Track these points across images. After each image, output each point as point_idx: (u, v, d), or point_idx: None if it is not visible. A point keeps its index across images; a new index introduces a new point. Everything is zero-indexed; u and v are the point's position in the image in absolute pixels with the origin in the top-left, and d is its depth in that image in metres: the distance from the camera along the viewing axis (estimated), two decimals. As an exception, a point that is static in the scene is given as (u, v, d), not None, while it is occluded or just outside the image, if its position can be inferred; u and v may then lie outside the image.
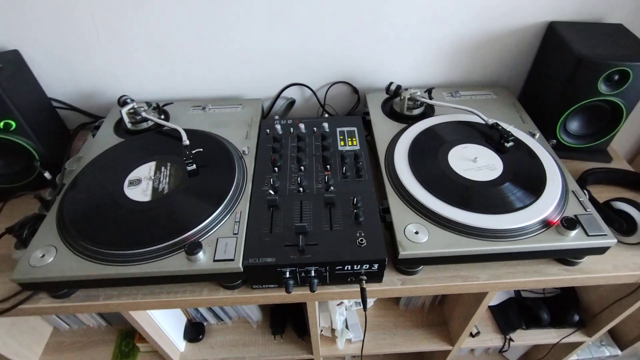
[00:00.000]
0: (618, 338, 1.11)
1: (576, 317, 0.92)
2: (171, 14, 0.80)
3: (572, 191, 0.67)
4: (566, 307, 0.94)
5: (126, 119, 0.80)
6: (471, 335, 0.95)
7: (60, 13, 0.79)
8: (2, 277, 0.65)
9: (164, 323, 0.86)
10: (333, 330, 0.96)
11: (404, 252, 0.58)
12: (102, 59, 0.86)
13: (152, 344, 0.84)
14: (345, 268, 0.59)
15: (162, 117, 0.84)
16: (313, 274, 0.59)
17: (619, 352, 1.11)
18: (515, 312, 0.97)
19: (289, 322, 0.98)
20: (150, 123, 0.82)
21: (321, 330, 0.96)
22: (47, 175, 0.73)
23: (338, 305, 0.95)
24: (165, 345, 0.87)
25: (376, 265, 0.59)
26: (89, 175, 0.72)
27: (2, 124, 0.72)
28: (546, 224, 0.61)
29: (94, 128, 0.85)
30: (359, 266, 0.59)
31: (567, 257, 0.64)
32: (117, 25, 0.81)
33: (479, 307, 0.77)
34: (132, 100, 0.82)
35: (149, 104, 0.84)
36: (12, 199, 0.78)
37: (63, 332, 1.01)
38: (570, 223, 0.60)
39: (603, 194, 0.74)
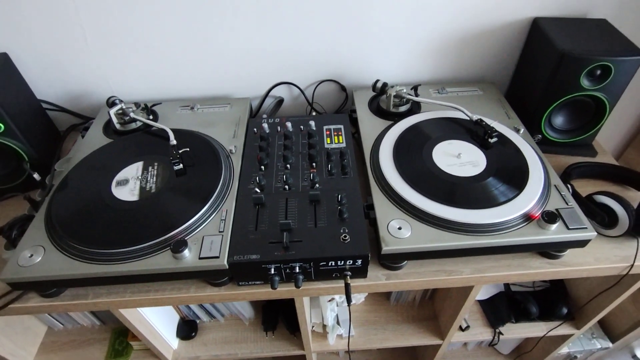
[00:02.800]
0: (609, 330, 1.12)
1: (564, 310, 0.93)
2: (158, 14, 0.81)
3: (555, 185, 0.67)
4: (555, 300, 0.95)
5: (115, 120, 0.81)
6: (461, 329, 0.96)
7: (48, 15, 0.79)
8: (-9, 277, 0.66)
9: (156, 321, 0.87)
10: (324, 326, 0.97)
11: (387, 248, 0.59)
12: (91, 60, 0.87)
13: (144, 342, 0.85)
14: (330, 264, 0.60)
15: (151, 117, 0.85)
16: (298, 270, 0.60)
17: (610, 345, 1.12)
18: (505, 306, 0.98)
19: (280, 319, 0.99)
20: (138, 123, 0.83)
21: (313, 326, 0.97)
22: (36, 176, 0.74)
23: (329, 301, 0.96)
24: (157, 343, 0.88)
25: (360, 261, 0.60)
26: (77, 175, 0.72)
27: (-10, 126, 0.73)
28: (528, 218, 0.62)
29: (83, 129, 0.86)
30: (342, 262, 0.60)
31: (549, 251, 0.65)
32: (104, 27, 0.82)
33: (466, 300, 0.78)
34: (121, 101, 0.83)
35: (137, 104, 0.84)
36: (2, 200, 0.79)
37: (57, 332, 1.02)
38: (550, 217, 0.60)
39: (587, 187, 0.75)
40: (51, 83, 0.90)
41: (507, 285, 1.02)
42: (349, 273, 0.61)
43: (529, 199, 0.64)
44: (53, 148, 0.90)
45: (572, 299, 0.97)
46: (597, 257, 0.66)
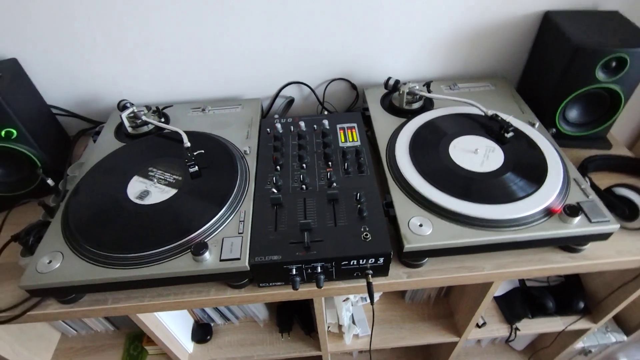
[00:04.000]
0: (623, 324, 1.11)
1: (581, 305, 0.92)
2: (166, 17, 0.80)
3: (574, 179, 0.67)
4: (571, 295, 0.95)
5: (126, 123, 0.80)
6: (477, 326, 0.95)
7: (58, 21, 0.79)
8: (10, 284, 0.66)
9: (172, 325, 0.87)
10: (340, 326, 0.96)
11: (409, 245, 0.59)
12: (101, 65, 0.86)
13: (160, 346, 0.85)
14: (351, 263, 0.59)
15: (162, 120, 0.84)
16: (319, 270, 0.60)
17: (625, 338, 1.12)
18: (521, 302, 0.97)
19: (295, 320, 0.99)
20: (150, 126, 0.82)
21: (328, 327, 0.97)
22: (50, 182, 0.74)
23: (344, 301, 0.95)
24: (173, 347, 0.88)
25: (382, 259, 0.59)
26: (91, 180, 0.72)
27: (3, 132, 0.73)
28: (549, 212, 0.62)
29: (94, 133, 0.85)
30: (364, 261, 0.59)
31: (570, 245, 0.65)
32: (113, 31, 0.81)
33: (485, 297, 0.77)
34: (132, 105, 0.82)
35: (148, 107, 0.84)
36: (16, 206, 0.78)
37: (71, 338, 1.02)
38: (572, 210, 0.60)
39: (604, 180, 0.75)
40: (61, 88, 0.90)
41: (522, 281, 1.02)
42: (371, 272, 0.61)
43: (549, 193, 0.63)
44: (64, 153, 0.90)
45: (587, 293, 0.96)
46: (619, 250, 0.66)
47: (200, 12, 0.80)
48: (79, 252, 0.61)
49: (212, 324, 1.00)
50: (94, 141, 0.83)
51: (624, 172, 0.78)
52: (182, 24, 0.81)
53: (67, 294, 0.62)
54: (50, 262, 0.60)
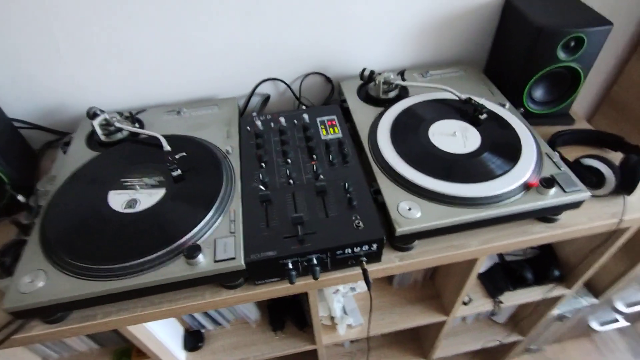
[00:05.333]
0: (593, 287, 1.20)
1: (556, 272, 0.98)
2: (132, 16, 0.77)
3: (546, 153, 0.71)
4: (547, 265, 1.00)
5: (99, 131, 0.77)
6: (464, 303, 0.99)
7: (15, 28, 0.74)
8: (-14, 310, 0.62)
9: (162, 335, 0.84)
10: (332, 318, 0.97)
11: (401, 229, 0.60)
12: (65, 72, 0.82)
13: (153, 358, 0.82)
14: (346, 252, 0.60)
15: (137, 125, 0.81)
16: (315, 262, 0.60)
17: (595, 300, 1.20)
18: (502, 276, 1.02)
19: (287, 317, 0.99)
20: (125, 133, 0.79)
21: (321, 320, 0.97)
22: (20, 198, 0.69)
23: (334, 293, 0.96)
24: (166, 358, 0.85)
25: (375, 245, 0.61)
26: (68, 192, 0.68)
27: (-37, 149, 0.68)
28: (527, 187, 0.65)
29: (63, 144, 0.81)
30: (358, 248, 0.60)
31: (548, 215, 0.68)
32: (77, 35, 0.77)
33: (470, 274, 0.81)
34: (102, 111, 0.79)
35: (120, 113, 0.81)
36: (-16, 227, 0.73)
37: (53, 362, 0.97)
38: (548, 182, 0.64)
39: (572, 153, 0.79)
40: (21, 99, 0.85)
41: (501, 257, 1.07)
42: (365, 259, 0.62)
43: (525, 169, 0.67)
44: (31, 168, 0.85)
45: (561, 261, 1.02)
46: (590, 217, 0.70)
47: (166, 9, 0.78)
48: (63, 268, 0.58)
49: (203, 331, 0.98)
50: (64, 152, 0.79)
51: (587, 144, 0.83)
52: (148, 22, 0.79)
53: (54, 312, 0.59)
54: (32, 281, 0.57)
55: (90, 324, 0.61)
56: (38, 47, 0.78)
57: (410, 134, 0.74)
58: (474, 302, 1.01)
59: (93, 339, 0.96)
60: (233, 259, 0.58)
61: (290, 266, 0.60)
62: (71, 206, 0.66)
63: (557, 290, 1.00)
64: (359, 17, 0.86)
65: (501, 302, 1.00)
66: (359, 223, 0.61)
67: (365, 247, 0.61)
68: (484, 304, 1.00)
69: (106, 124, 0.78)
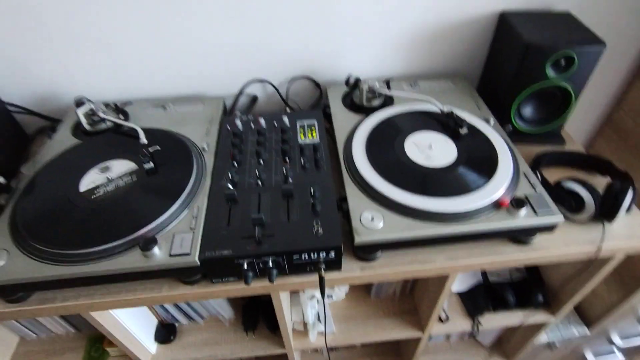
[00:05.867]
0: (585, 317, 1.15)
1: (540, 297, 0.94)
2: (125, 10, 0.79)
3: (524, 173, 0.69)
4: (531, 289, 0.97)
5: (83, 120, 0.79)
6: (440, 320, 0.96)
7: (9, 14, 0.77)
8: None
9: (132, 325, 0.85)
10: (305, 324, 0.96)
11: (360, 239, 0.59)
12: (57, 60, 0.85)
13: (119, 347, 0.83)
14: (302, 257, 0.59)
15: (121, 117, 0.83)
16: (271, 265, 0.60)
17: (587, 331, 1.15)
18: (483, 297, 0.99)
19: (261, 318, 0.98)
20: (109, 124, 0.81)
21: (293, 324, 0.97)
22: (0, 179, 0.72)
23: (310, 298, 0.96)
24: (134, 348, 0.86)
25: (333, 253, 0.60)
26: (43, 177, 0.70)
27: (-50, 128, 0.71)
28: (498, 205, 0.63)
29: (50, 131, 0.83)
30: (315, 254, 0.59)
31: (519, 237, 0.66)
32: (69, 24, 0.80)
33: (443, 290, 0.79)
34: (89, 101, 0.81)
35: (107, 104, 0.83)
36: (-36, 205, 0.76)
37: (30, 342, 0.99)
38: (518, 202, 0.61)
39: (556, 175, 0.77)
40: (17, 85, 0.88)
41: (485, 277, 1.03)
42: (323, 266, 0.61)
43: (498, 187, 0.65)
44: (20, 151, 0.88)
45: (547, 287, 0.98)
46: (566, 242, 0.67)
47: (160, 4, 0.79)
48: (25, 250, 0.59)
49: (176, 324, 0.99)
50: (49, 138, 0.82)
51: (575, 167, 0.80)
52: (141, 17, 0.81)
53: (14, 292, 0.61)
54: (-6, 260, 0.58)
55: (48, 307, 0.62)
56: (32, 36, 0.80)
57: (385, 143, 0.73)
58: (451, 320, 0.98)
59: (69, 322, 0.98)
60: (188, 254, 0.58)
61: (246, 267, 0.60)
62: (42, 191, 0.67)
63: (540, 316, 0.97)
64: (349, 23, 0.86)
65: (480, 323, 0.97)
66: (318, 229, 0.60)
67: (323, 254, 0.60)
68: (462, 324, 0.97)
69: (91, 114, 0.80)
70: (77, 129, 0.82)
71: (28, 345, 0.98)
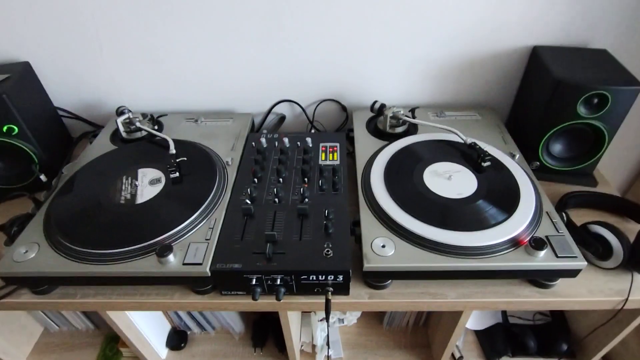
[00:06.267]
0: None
1: (564, 346, 0.89)
2: (169, 31, 0.85)
3: (547, 212, 0.66)
4: (555, 336, 0.91)
5: (121, 128, 0.85)
6: (454, 358, 0.92)
7: (68, 29, 0.85)
8: (-11, 272, 0.69)
9: (146, 329, 0.88)
10: (314, 346, 0.95)
11: (369, 265, 0.59)
12: (105, 72, 0.92)
13: (132, 348, 0.86)
14: (311, 278, 0.60)
15: (156, 127, 0.88)
16: (279, 283, 0.60)
17: (618, 389, 1.06)
18: (502, 339, 0.94)
19: (270, 336, 0.98)
20: (143, 133, 0.86)
21: (302, 345, 0.96)
22: (42, 177, 0.78)
23: (320, 321, 0.95)
24: (146, 351, 0.88)
25: (341, 277, 0.59)
26: (79, 179, 0.76)
27: (5, 128, 0.78)
28: (516, 243, 0.61)
29: (92, 136, 0.90)
30: (324, 277, 0.60)
31: (538, 279, 0.63)
32: (119, 41, 0.87)
33: (456, 327, 0.76)
34: (129, 111, 0.87)
35: (144, 115, 0.88)
36: (9, 199, 0.83)
37: (52, 333, 1.04)
38: (538, 243, 0.59)
39: (585, 217, 0.73)
40: (68, 92, 0.96)
41: (505, 317, 0.99)
42: (331, 289, 0.61)
43: (518, 224, 0.63)
44: (64, 153, 0.95)
45: (573, 334, 0.92)
46: (590, 289, 0.64)
47: (200, 28, 0.85)
48: (54, 245, 0.64)
49: (188, 332, 1.01)
50: (90, 143, 0.88)
51: (606, 210, 0.76)
52: (183, 38, 0.86)
53: (39, 284, 0.65)
54: (26, 252, 0.63)
55: (68, 302, 0.65)
56: (85, 49, 0.88)
57: (405, 171, 0.73)
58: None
59: (90, 319, 1.02)
60: (200, 264, 0.60)
61: (254, 282, 0.60)
62: (76, 191, 0.72)
63: (564, 367, 0.90)
64: (378, 50, 0.87)
65: (497, 367, 0.92)
66: (329, 251, 0.61)
67: (332, 277, 0.60)
68: (477, 365, 0.93)
69: (129, 122, 0.85)
70: (115, 135, 0.88)
71: (50, 336, 1.03)
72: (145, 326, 0.88)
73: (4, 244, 0.69)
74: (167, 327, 1.00)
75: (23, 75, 0.85)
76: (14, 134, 0.79)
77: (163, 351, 0.96)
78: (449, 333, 0.79)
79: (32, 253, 0.62)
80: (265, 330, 0.99)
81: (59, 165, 0.88)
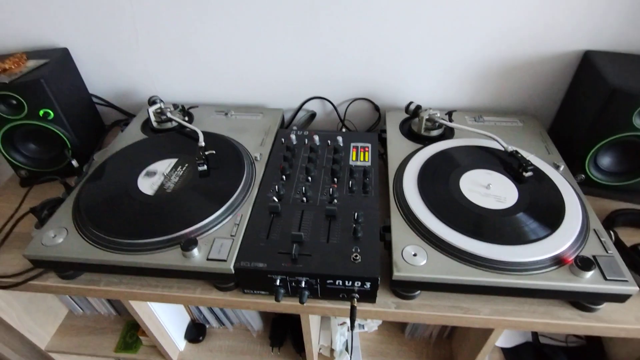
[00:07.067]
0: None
1: (600, 373, 0.83)
2: (203, 24, 0.85)
3: (594, 230, 0.61)
4: (589, 360, 0.86)
5: (152, 118, 0.85)
6: (478, 376, 0.88)
7: (106, 18, 0.86)
8: (21, 253, 0.70)
9: (166, 319, 0.88)
10: (332, 351, 0.93)
11: (398, 274, 0.56)
12: (140, 61, 0.92)
13: (151, 338, 0.86)
14: (337, 283, 0.57)
15: (186, 118, 0.88)
16: (303, 285, 0.58)
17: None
18: (532, 359, 0.89)
19: (288, 336, 0.96)
20: (174, 123, 0.86)
21: (320, 349, 0.94)
22: (74, 163, 0.79)
23: (340, 325, 0.92)
24: (164, 341, 0.89)
25: (368, 284, 0.57)
26: (108, 166, 0.76)
27: (41, 112, 0.79)
28: (559, 261, 0.57)
29: (124, 124, 0.90)
30: (350, 282, 0.57)
31: (581, 301, 0.59)
32: (155, 32, 0.87)
33: (485, 345, 0.72)
34: (161, 101, 0.87)
35: (175, 105, 0.88)
36: (41, 182, 0.84)
37: (76, 316, 1.05)
38: (585, 263, 0.55)
39: (634, 237, 0.68)
40: (103, 79, 0.97)
41: (535, 336, 0.93)
42: (357, 296, 0.59)
43: (562, 241, 0.58)
44: (96, 140, 0.96)
45: (610, 361, 0.86)
46: (638, 317, 0.59)
47: (233, 22, 0.84)
48: (81, 231, 0.64)
49: (207, 326, 1.00)
50: (122, 131, 0.88)
51: (659, 231, 0.70)
52: (217, 32, 0.86)
53: (65, 269, 0.65)
54: (55, 236, 0.63)
55: (92, 288, 0.66)
56: (122, 38, 0.89)
57: (440, 176, 0.69)
58: (491, 378, 0.89)
59: (112, 305, 1.03)
60: (224, 261, 0.58)
61: (278, 283, 0.59)
62: (105, 179, 0.73)
63: (598, 395, 0.85)
64: (415, 50, 0.84)
65: (524, 389, 0.87)
66: (357, 257, 0.58)
67: (358, 284, 0.57)
68: (503, 385, 0.88)
69: (160, 113, 0.85)
70: (146, 125, 0.88)
71: (74, 319, 1.05)
72: (165, 317, 0.88)
73: (34, 227, 0.70)
74: (187, 319, 0.99)
75: (61, 61, 0.87)
76: (49, 118, 0.80)
77: (181, 343, 0.96)
78: (476, 350, 0.75)
79: (61, 238, 0.63)
80: (283, 329, 0.97)
81: (90, 151, 0.89)
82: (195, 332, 0.98)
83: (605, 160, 0.75)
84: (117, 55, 0.92)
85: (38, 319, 0.96)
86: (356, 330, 0.96)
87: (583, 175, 0.73)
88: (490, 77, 0.86)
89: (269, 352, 0.95)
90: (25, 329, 0.90)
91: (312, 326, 0.77)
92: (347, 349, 0.94)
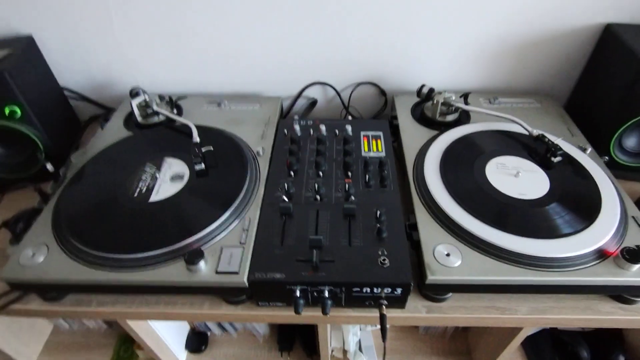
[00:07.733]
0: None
1: (621, 358, 0.81)
2: (188, 2, 0.75)
3: (633, 217, 0.57)
4: (609, 346, 0.84)
5: (136, 112, 0.75)
6: (498, 368, 0.85)
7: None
8: (-5, 273, 0.61)
9: (164, 331, 0.81)
10: (345, 352, 0.88)
11: (433, 277, 0.51)
12: (117, 48, 0.82)
13: (150, 354, 0.79)
14: (364, 290, 0.52)
15: (175, 111, 0.79)
16: (327, 295, 0.52)
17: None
18: (550, 347, 0.87)
19: (297, 339, 0.91)
20: (161, 117, 0.77)
21: (332, 351, 0.89)
22: (49, 167, 0.69)
23: (352, 325, 0.87)
24: (164, 355, 0.82)
25: (399, 290, 0.51)
26: (91, 169, 0.67)
27: (7, 110, 0.69)
28: (602, 255, 0.52)
29: (103, 120, 0.81)
30: (379, 289, 0.51)
31: (625, 295, 0.55)
32: (132, 12, 0.77)
33: (512, 341, 0.68)
34: (144, 92, 0.77)
35: (161, 97, 0.79)
36: (13, 190, 0.74)
37: (63, 332, 0.97)
38: (633, 255, 0.51)
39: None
40: (75, 70, 0.86)
41: (552, 323, 0.91)
42: (385, 302, 0.53)
43: (603, 232, 0.54)
44: (72, 138, 0.86)
45: (628, 345, 0.85)
46: (681, 307, 0.55)
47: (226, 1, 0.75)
48: (65, 247, 0.55)
49: (208, 333, 0.94)
50: (102, 128, 0.79)
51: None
52: (203, 10, 0.76)
53: (49, 291, 0.57)
54: (33, 255, 0.54)
55: (83, 310, 0.58)
56: (95, 23, 0.78)
57: (464, 166, 0.64)
58: (510, 369, 0.86)
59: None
60: (236, 273, 0.51)
61: (298, 294, 0.52)
62: (88, 184, 0.64)
63: (619, 380, 0.83)
64: (424, 27, 0.77)
65: (544, 378, 0.85)
66: (384, 260, 0.52)
67: (388, 290, 0.52)
68: (522, 376, 0.86)
69: (145, 106, 0.76)
70: (130, 120, 0.79)
71: (61, 335, 0.96)
72: (164, 328, 0.81)
73: (9, 243, 0.61)
74: (186, 328, 0.93)
75: (25, 51, 0.76)
76: (16, 117, 0.70)
77: (182, 354, 0.89)
78: (501, 346, 0.72)
79: (41, 256, 0.54)
80: (292, 332, 0.92)
81: (66, 152, 0.80)
82: (197, 341, 0.92)
83: (631, 141, 0.72)
84: (91, 42, 0.81)
85: (22, 337, 0.88)
86: (369, 328, 0.92)
87: (607, 157, 0.68)
88: (506, 55, 0.80)
89: (277, 358, 0.90)
90: (12, 349, 0.82)
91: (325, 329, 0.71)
92: (360, 349, 0.89)
